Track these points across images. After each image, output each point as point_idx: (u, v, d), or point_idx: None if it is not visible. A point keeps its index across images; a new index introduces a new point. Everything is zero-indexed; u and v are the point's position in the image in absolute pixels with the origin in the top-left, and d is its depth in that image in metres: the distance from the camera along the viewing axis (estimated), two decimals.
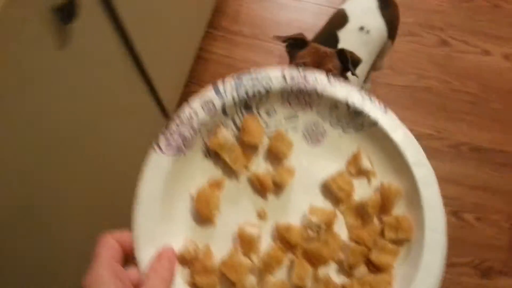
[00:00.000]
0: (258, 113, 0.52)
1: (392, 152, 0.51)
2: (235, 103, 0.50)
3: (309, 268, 0.46)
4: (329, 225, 0.48)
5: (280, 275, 0.47)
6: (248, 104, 0.51)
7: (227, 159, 0.49)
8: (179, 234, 0.46)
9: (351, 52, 1.03)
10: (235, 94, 0.50)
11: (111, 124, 1.01)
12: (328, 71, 1.02)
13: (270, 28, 1.82)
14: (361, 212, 0.49)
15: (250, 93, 0.51)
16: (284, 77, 0.51)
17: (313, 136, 0.53)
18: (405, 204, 0.49)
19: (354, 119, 0.52)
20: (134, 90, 1.15)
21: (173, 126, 0.48)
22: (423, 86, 1.78)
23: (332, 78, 0.53)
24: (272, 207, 0.49)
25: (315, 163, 0.51)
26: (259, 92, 0.51)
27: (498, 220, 1.55)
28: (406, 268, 0.46)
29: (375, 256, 0.47)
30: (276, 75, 0.52)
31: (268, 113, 0.52)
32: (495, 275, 1.47)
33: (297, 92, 0.52)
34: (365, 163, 0.51)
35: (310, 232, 0.47)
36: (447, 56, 1.83)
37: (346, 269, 0.47)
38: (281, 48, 1.77)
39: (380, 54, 1.37)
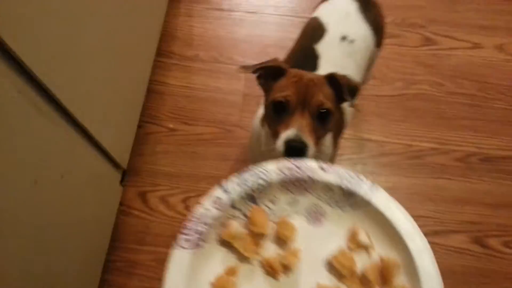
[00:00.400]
0: (263, 203, 0.61)
1: (387, 226, 0.57)
2: (241, 197, 0.60)
3: None
4: None
5: None
6: (252, 196, 0.60)
7: (239, 248, 0.56)
8: None
9: (345, 77, 0.76)
10: (240, 190, 0.60)
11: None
12: (319, 106, 0.75)
13: (229, 47, 1.55)
14: (365, 284, 0.53)
15: (253, 187, 0.60)
16: (280, 170, 0.61)
17: (315, 217, 0.61)
18: (404, 274, 0.54)
19: (349, 199, 0.60)
20: (80, 154, 0.96)
21: (189, 224, 0.56)
22: (413, 93, 1.54)
23: (323, 164, 0.61)
24: (283, 287, 0.54)
25: (319, 242, 0.58)
26: (261, 185, 0.60)
27: None
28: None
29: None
30: (273, 168, 0.61)
31: (272, 201, 0.61)
32: None
33: (294, 180, 0.62)
34: (363, 238, 0.57)
35: None
36: (434, 55, 1.61)
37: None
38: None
39: (368, 66, 1.12)
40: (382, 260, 0.56)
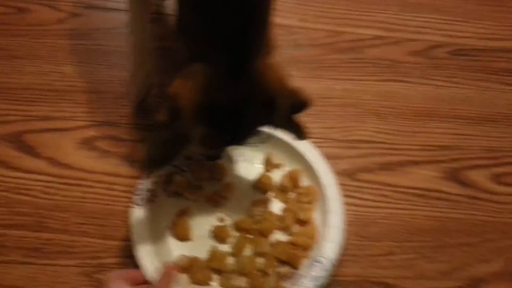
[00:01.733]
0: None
1: (289, 148, 0.71)
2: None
3: (264, 239, 0.66)
4: (266, 208, 0.69)
5: (247, 252, 0.65)
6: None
7: (185, 194, 0.68)
8: (171, 254, 0.64)
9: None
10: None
11: None
12: None
13: None
14: (283, 191, 0.70)
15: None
16: None
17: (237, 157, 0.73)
18: (308, 178, 0.71)
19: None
20: None
21: (140, 186, 0.65)
22: None
23: None
24: (227, 212, 0.68)
25: (244, 174, 0.72)
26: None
27: None
28: (320, 216, 0.68)
29: (301, 216, 0.67)
30: None
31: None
32: None
33: None
34: (274, 160, 0.72)
35: (256, 217, 0.67)
36: None
37: (286, 230, 0.67)
38: None
39: None
40: (289, 171, 0.71)
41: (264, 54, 0.51)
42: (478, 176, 0.78)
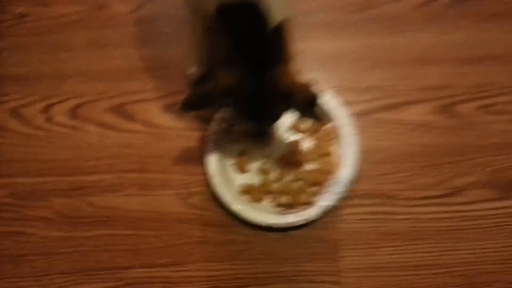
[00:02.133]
0: None
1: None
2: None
3: (298, 168, 0.93)
4: (299, 145, 0.95)
5: (287, 178, 0.93)
6: None
7: (242, 139, 0.94)
8: (236, 183, 0.92)
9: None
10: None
11: None
12: None
13: None
14: (311, 132, 0.95)
15: None
16: None
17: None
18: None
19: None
20: None
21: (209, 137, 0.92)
22: None
23: None
24: (273, 150, 0.94)
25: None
26: None
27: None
28: (340, 149, 0.93)
29: (324, 150, 0.93)
30: None
31: None
32: None
33: None
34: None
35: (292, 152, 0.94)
36: None
37: (315, 161, 0.93)
38: None
39: None
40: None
41: (283, 63, 0.72)
42: (465, 108, 1.00)
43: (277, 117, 0.80)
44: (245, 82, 0.71)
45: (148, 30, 1.02)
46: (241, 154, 0.95)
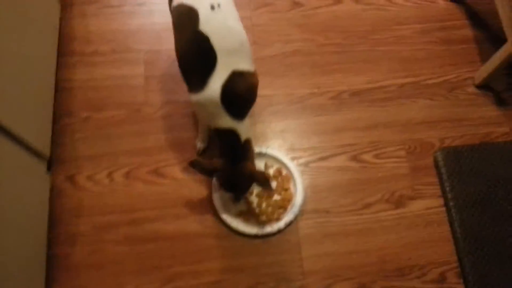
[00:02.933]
0: None
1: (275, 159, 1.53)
2: None
3: (270, 198, 1.50)
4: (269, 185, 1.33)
5: (263, 205, 1.51)
6: None
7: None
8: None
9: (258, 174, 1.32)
10: None
11: None
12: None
13: (124, 38, 1.75)
14: (275, 177, 1.51)
15: None
16: None
17: None
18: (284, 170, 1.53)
19: None
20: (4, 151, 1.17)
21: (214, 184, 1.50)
22: (291, 50, 1.82)
23: None
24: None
25: None
26: None
27: (394, 151, 1.65)
28: (294, 186, 1.51)
29: (284, 186, 1.49)
30: None
31: None
32: (407, 201, 1.56)
33: None
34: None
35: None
36: (304, 15, 1.89)
37: (279, 194, 1.50)
38: (144, 56, 1.72)
39: None
40: (276, 168, 1.56)
41: (248, 160, 1.29)
42: (366, 157, 1.64)
43: (245, 190, 1.38)
44: (226, 167, 1.28)
45: (169, 122, 1.63)
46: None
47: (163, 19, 1.80)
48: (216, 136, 1.30)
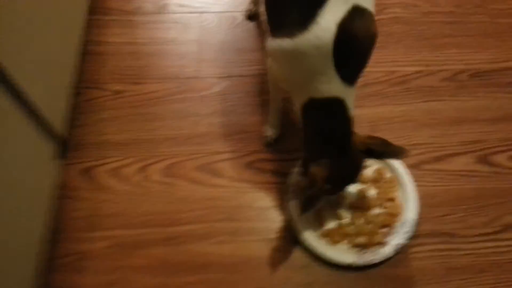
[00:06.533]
0: None
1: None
2: None
3: (369, 213, 1.06)
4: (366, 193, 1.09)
5: (359, 222, 1.05)
6: None
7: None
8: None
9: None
10: None
11: None
12: None
13: None
14: (375, 181, 1.10)
15: None
16: None
17: None
18: (389, 172, 1.11)
19: None
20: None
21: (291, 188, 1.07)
22: (388, 17, 1.38)
23: None
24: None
25: None
26: None
27: None
28: (402, 194, 1.07)
29: (389, 195, 1.08)
30: None
31: None
32: None
33: None
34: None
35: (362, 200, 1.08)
36: None
37: (381, 206, 1.07)
38: (200, 18, 1.32)
39: None
40: (376, 168, 1.11)
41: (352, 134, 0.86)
42: (499, 158, 1.17)
43: (357, 177, 0.93)
44: (335, 167, 0.84)
45: (227, 102, 1.21)
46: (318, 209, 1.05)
47: None
48: (307, 115, 0.86)
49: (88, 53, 1.25)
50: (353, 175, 0.91)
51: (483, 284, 1.01)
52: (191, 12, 1.34)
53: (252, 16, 1.33)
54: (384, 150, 0.88)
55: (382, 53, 1.31)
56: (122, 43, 1.28)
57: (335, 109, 0.81)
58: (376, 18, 1.39)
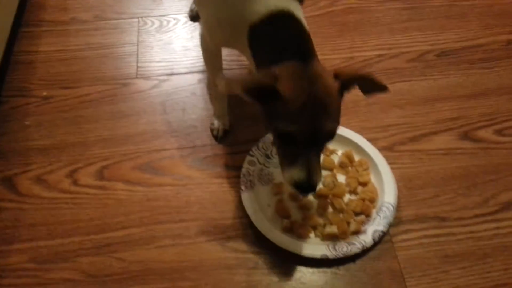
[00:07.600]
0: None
1: (340, 138, 0.92)
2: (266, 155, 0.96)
3: (339, 199, 0.88)
4: (334, 179, 0.91)
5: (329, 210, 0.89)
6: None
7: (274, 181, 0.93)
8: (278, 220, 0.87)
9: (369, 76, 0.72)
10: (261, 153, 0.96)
11: None
12: (330, 138, 0.71)
13: (113, 4, 1.27)
14: (342, 167, 0.94)
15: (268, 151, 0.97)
16: None
17: None
18: (357, 155, 0.96)
19: None
20: None
21: (242, 178, 0.90)
22: (340, 8, 1.31)
23: None
24: None
25: None
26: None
27: None
28: (375, 177, 0.92)
29: (361, 179, 0.91)
30: None
31: None
32: None
33: None
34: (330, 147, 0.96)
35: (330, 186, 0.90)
36: None
37: (353, 192, 0.90)
38: (138, 23, 1.24)
39: None
40: (343, 152, 0.95)
41: (315, 57, 0.72)
42: (484, 133, 1.02)
43: (337, 112, 0.72)
44: (300, 69, 0.67)
45: (171, 100, 1.07)
46: (276, 193, 0.90)
47: None
48: (256, 43, 0.73)
49: (16, 63, 1.13)
50: (324, 103, 0.67)
51: (490, 272, 0.82)
52: (131, 18, 1.25)
53: (195, 16, 1.24)
54: (365, 82, 0.73)
55: (337, 41, 1.21)
56: (54, 51, 1.16)
57: (287, 23, 0.70)
58: (328, 10, 1.34)
